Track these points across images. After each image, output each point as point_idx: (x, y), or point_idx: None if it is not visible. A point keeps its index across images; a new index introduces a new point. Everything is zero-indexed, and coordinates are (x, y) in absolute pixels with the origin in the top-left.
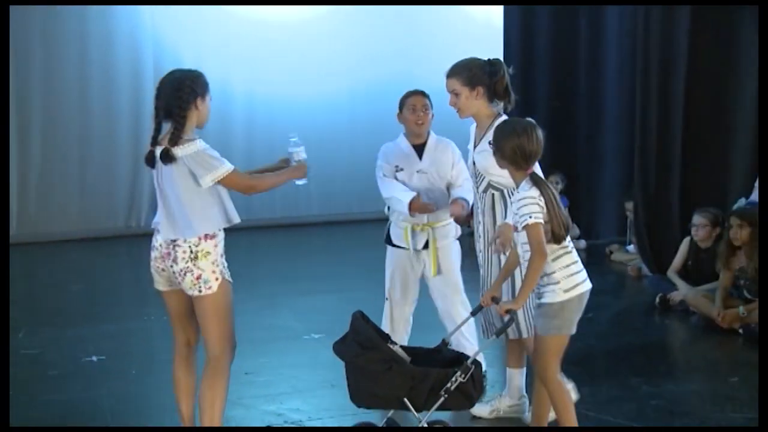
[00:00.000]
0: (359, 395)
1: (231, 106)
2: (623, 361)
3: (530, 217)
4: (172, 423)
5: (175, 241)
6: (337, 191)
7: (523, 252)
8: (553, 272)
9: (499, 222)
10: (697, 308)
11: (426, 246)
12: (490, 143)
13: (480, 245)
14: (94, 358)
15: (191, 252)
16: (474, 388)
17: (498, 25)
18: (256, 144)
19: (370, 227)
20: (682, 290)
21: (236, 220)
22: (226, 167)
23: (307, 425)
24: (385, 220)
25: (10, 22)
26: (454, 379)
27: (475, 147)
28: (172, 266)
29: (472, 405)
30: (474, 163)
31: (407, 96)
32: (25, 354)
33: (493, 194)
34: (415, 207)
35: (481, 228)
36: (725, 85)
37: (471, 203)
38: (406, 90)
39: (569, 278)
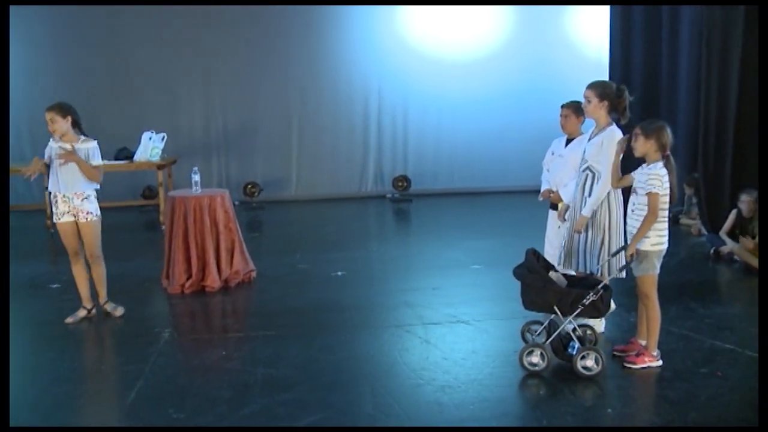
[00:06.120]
0: (526, 302)
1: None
2: (686, 292)
3: (654, 187)
4: (383, 311)
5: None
6: (497, 169)
7: (635, 208)
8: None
9: (585, 195)
10: (740, 258)
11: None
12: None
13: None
14: (339, 273)
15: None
16: (602, 305)
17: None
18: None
19: (519, 196)
20: (730, 245)
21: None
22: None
23: (471, 323)
24: (527, 192)
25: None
26: (587, 297)
27: (590, 139)
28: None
29: (600, 316)
30: (584, 150)
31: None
32: (300, 268)
33: (587, 174)
34: (543, 195)
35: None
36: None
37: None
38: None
39: (657, 237)
